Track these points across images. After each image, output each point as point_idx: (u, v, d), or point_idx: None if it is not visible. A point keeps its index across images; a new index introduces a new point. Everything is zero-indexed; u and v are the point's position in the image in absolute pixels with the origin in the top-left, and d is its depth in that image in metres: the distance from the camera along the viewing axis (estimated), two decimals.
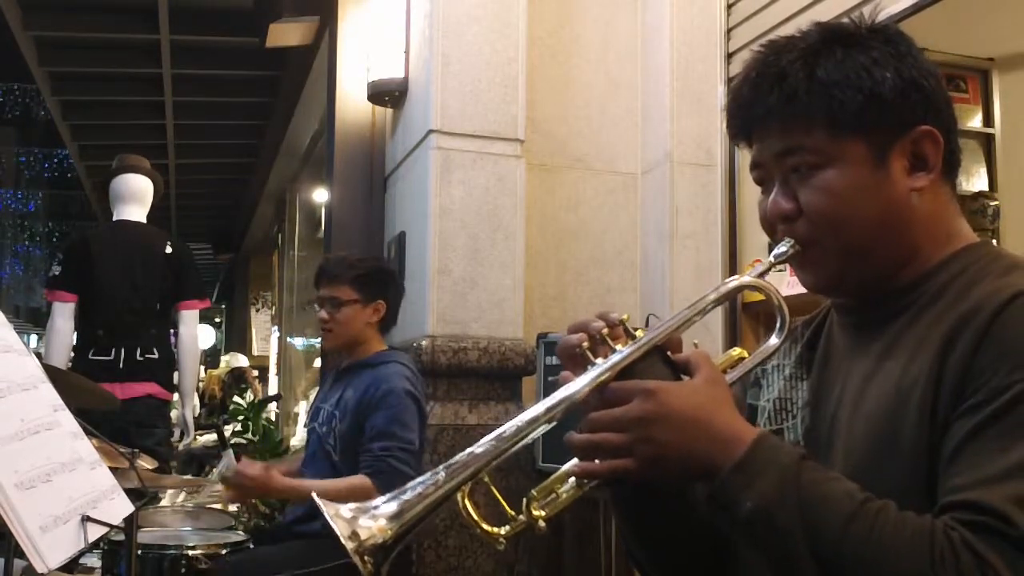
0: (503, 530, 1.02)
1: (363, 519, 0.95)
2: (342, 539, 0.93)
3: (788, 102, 1.06)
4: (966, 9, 3.08)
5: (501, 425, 1.01)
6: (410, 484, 0.98)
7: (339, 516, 0.95)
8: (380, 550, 0.94)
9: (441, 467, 0.99)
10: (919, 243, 1.08)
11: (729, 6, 3.65)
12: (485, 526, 1.01)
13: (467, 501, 1.00)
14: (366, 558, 0.93)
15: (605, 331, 1.04)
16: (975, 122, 3.76)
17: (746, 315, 3.45)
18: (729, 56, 3.64)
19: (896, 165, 1.06)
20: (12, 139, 24.32)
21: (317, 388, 3.10)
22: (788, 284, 1.54)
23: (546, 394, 1.25)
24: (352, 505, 0.96)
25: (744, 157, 3.65)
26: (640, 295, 3.74)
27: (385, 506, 0.96)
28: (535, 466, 3.14)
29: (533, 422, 1.00)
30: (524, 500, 1.04)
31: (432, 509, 0.97)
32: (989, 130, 3.75)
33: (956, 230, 1.10)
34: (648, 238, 3.75)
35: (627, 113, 3.84)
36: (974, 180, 3.67)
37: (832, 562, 0.89)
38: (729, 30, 3.65)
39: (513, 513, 1.03)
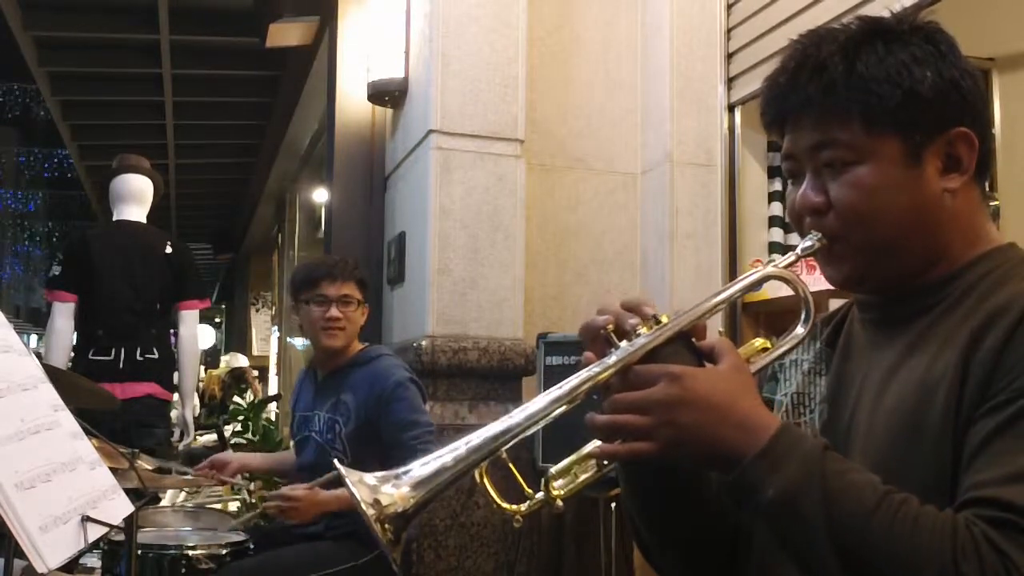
0: (521, 507, 1.03)
1: (386, 487, 0.96)
2: (363, 505, 0.94)
3: (825, 94, 1.05)
4: (966, 9, 3.07)
5: None
6: (432, 456, 0.99)
7: (362, 483, 0.96)
8: (400, 518, 0.95)
9: (463, 440, 0.99)
10: (948, 243, 1.07)
11: (729, 6, 3.65)
12: (503, 503, 1.02)
13: (485, 477, 1.01)
14: (386, 526, 0.94)
15: (633, 320, 1.03)
16: None
17: (746, 316, 3.45)
18: (729, 56, 3.64)
19: (930, 165, 1.06)
20: (12, 139, 24.37)
21: (295, 399, 3.08)
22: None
23: None
24: (377, 473, 0.97)
25: (744, 157, 3.67)
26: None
27: (407, 476, 0.97)
28: (535, 467, 3.14)
29: (557, 401, 1.00)
30: (542, 479, 1.04)
31: (453, 481, 0.98)
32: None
33: (985, 232, 1.10)
34: (648, 238, 3.75)
35: (627, 113, 3.83)
36: None
37: (853, 552, 0.89)
38: (729, 30, 3.65)
39: (531, 491, 1.04)
